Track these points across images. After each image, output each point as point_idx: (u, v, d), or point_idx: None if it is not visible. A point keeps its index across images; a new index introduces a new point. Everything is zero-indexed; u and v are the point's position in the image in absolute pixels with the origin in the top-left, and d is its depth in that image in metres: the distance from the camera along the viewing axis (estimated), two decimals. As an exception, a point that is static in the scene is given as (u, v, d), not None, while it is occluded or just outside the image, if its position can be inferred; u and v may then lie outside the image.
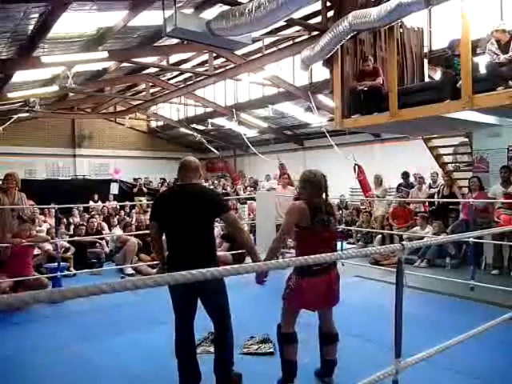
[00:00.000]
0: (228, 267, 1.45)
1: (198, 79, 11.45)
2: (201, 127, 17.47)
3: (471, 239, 5.45)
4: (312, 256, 1.76)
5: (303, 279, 2.80)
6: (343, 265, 7.00)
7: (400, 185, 9.70)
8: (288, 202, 7.50)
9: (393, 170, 10.76)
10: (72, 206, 10.18)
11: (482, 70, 5.33)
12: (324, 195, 2.95)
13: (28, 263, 5.69)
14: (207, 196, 2.96)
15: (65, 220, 9.96)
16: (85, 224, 8.60)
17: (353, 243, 9.04)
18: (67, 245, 7.30)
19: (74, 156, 18.57)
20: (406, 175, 9.76)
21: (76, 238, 7.69)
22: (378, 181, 9.72)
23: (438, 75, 7.50)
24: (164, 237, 3.04)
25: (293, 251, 5.38)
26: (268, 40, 10.30)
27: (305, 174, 3.03)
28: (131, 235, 7.47)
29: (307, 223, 2.82)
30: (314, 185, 2.94)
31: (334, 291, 2.92)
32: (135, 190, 15.13)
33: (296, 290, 2.84)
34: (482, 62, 5.35)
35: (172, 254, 2.94)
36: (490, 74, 5.10)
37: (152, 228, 3.04)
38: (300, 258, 1.67)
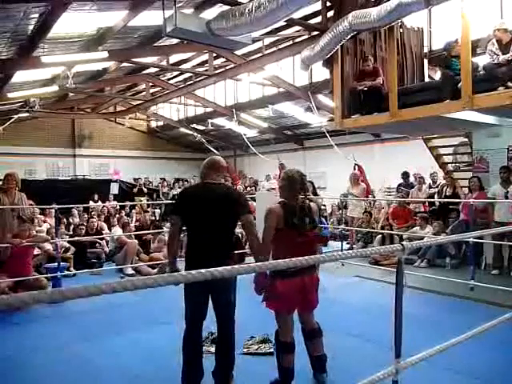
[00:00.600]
0: (229, 267, 1.45)
1: (197, 79, 11.45)
2: (201, 127, 17.47)
3: (471, 239, 5.45)
4: (300, 258, 1.73)
5: (276, 280, 2.81)
6: (343, 265, 7.03)
7: (400, 185, 9.67)
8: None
9: (393, 170, 10.78)
10: (72, 206, 10.19)
11: (482, 71, 5.33)
12: (301, 196, 2.93)
13: (28, 263, 5.69)
14: (233, 196, 3.01)
15: (65, 220, 9.96)
16: (85, 224, 8.60)
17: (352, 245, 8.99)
18: (67, 245, 7.31)
19: (74, 156, 18.56)
20: (405, 175, 9.73)
21: (76, 238, 7.70)
22: (355, 180, 8.91)
23: (438, 75, 7.51)
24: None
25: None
26: (268, 40, 10.30)
27: (285, 173, 3.06)
28: (131, 235, 7.49)
29: (281, 225, 2.82)
30: (291, 184, 2.94)
31: (310, 295, 2.91)
32: (135, 190, 15.13)
33: (271, 292, 2.84)
34: (483, 62, 5.35)
35: (192, 252, 2.96)
36: (489, 75, 5.10)
37: (174, 223, 3.01)
38: (286, 260, 1.67)
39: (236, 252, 6.73)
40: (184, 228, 3.06)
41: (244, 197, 3.15)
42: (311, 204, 3.01)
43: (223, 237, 2.94)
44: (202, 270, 1.34)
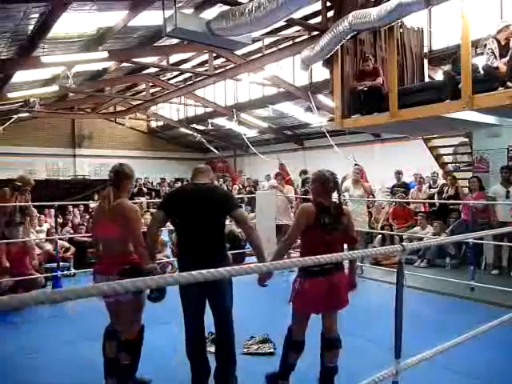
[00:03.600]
0: (229, 268, 1.44)
1: (197, 79, 11.45)
2: (201, 127, 17.48)
3: (471, 239, 5.45)
4: (312, 257, 1.75)
5: (305, 281, 2.78)
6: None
7: (394, 186, 9.51)
8: (284, 202, 7.51)
9: (393, 170, 10.76)
10: (72, 203, 10.21)
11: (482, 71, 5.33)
12: (336, 196, 2.91)
13: (27, 262, 5.70)
14: (217, 193, 3.06)
15: (61, 219, 9.93)
16: (85, 224, 8.60)
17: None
18: (67, 245, 7.30)
19: (74, 156, 18.57)
20: (398, 174, 9.28)
21: (76, 235, 7.71)
22: (357, 179, 7.20)
23: (438, 75, 7.50)
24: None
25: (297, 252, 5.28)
26: (268, 40, 10.30)
27: (315, 173, 3.03)
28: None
29: (311, 223, 2.79)
30: (324, 185, 2.91)
31: (336, 295, 2.81)
32: (135, 190, 15.12)
33: (299, 293, 2.81)
34: (482, 62, 5.35)
35: (184, 252, 2.97)
36: (488, 76, 5.10)
37: (157, 217, 2.98)
38: (300, 259, 1.67)
39: (235, 252, 6.76)
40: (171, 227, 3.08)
41: (230, 193, 3.16)
42: (344, 206, 2.98)
43: (214, 236, 2.94)
44: (204, 271, 1.34)
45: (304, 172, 9.64)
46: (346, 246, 3.07)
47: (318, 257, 1.75)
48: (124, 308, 2.83)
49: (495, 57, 5.05)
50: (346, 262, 3.06)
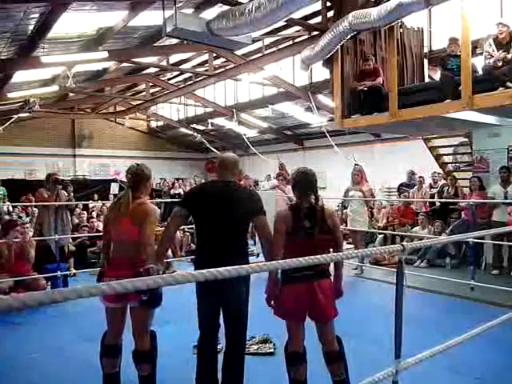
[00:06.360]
0: (231, 267, 1.44)
1: (197, 79, 11.45)
2: (201, 127, 17.47)
3: (471, 239, 5.45)
4: (306, 257, 1.69)
5: (284, 286, 2.65)
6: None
7: (402, 184, 9.55)
8: (286, 202, 7.50)
9: (393, 170, 10.76)
10: (71, 203, 10.19)
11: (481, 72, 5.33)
12: (312, 198, 2.65)
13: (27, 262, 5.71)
14: (249, 196, 2.87)
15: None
16: (85, 224, 8.60)
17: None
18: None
19: (74, 156, 18.55)
20: (411, 174, 9.40)
21: (76, 235, 7.71)
22: (356, 179, 7.26)
23: (437, 75, 7.50)
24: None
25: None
26: (268, 40, 10.29)
27: (294, 172, 2.85)
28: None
29: (289, 230, 2.64)
30: (299, 185, 2.74)
31: (319, 304, 2.60)
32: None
33: (278, 298, 2.69)
34: (481, 63, 5.35)
35: (204, 254, 2.80)
36: (488, 77, 5.10)
37: (178, 215, 2.81)
38: (300, 259, 1.66)
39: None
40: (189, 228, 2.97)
41: (259, 197, 2.91)
42: (325, 206, 2.74)
43: (239, 239, 2.80)
44: (203, 271, 1.34)
45: None
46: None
47: (318, 256, 1.73)
48: (138, 313, 2.77)
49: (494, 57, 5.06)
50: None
